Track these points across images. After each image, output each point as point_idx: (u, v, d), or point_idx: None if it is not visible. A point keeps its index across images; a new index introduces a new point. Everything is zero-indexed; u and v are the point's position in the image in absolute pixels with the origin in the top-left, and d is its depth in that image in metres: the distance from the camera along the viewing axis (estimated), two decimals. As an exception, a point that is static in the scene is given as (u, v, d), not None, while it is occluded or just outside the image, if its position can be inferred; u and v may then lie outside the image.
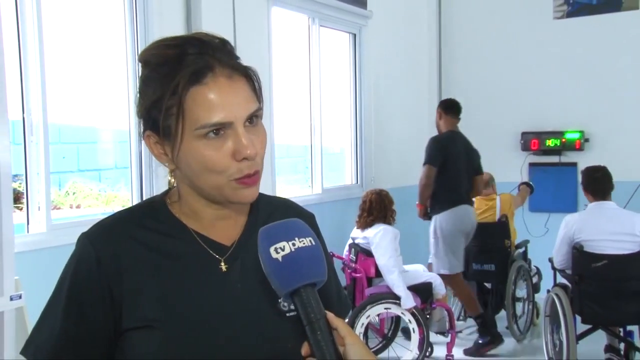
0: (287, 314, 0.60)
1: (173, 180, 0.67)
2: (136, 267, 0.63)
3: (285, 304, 0.60)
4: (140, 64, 0.64)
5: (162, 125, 0.62)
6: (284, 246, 0.54)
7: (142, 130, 0.65)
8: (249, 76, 0.64)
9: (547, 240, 3.09)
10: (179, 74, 0.60)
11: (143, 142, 0.65)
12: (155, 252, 0.64)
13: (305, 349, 0.53)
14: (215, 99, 0.60)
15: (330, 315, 0.54)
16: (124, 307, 0.62)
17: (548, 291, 2.60)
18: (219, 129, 0.61)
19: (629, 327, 2.50)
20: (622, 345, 2.54)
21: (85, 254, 0.63)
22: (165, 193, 0.69)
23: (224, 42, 0.63)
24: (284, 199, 0.77)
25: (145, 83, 0.64)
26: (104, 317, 0.62)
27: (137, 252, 0.63)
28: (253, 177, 0.63)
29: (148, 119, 0.64)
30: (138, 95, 0.65)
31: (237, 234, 0.67)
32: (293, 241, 0.54)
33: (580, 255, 2.43)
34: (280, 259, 0.53)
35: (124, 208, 0.71)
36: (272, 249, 0.54)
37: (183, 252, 0.64)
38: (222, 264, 0.65)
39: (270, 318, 0.63)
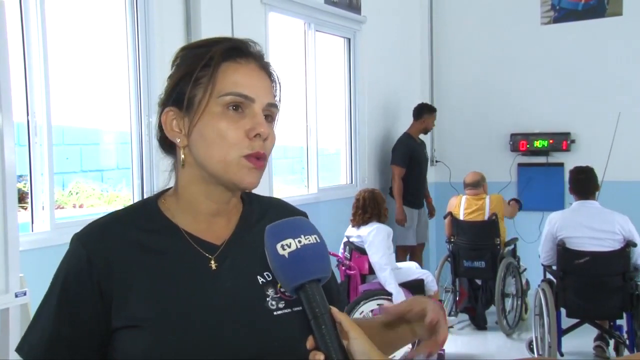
0: (275, 312, 0.63)
1: (183, 155, 0.65)
2: (126, 267, 0.63)
3: (274, 302, 0.63)
4: (177, 53, 0.67)
5: (188, 95, 0.63)
6: (290, 243, 0.55)
7: (160, 110, 0.66)
8: (273, 80, 0.68)
9: (536, 238, 3.20)
10: (215, 48, 0.64)
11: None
12: (145, 251, 0.64)
13: (310, 343, 0.54)
14: (243, 77, 0.64)
15: (334, 310, 0.54)
16: (113, 306, 0.62)
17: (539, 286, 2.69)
18: (239, 105, 0.63)
19: (618, 322, 2.57)
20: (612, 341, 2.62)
21: (76, 254, 0.64)
22: (160, 194, 0.69)
23: (262, 52, 0.68)
24: (277, 198, 0.77)
25: (178, 64, 0.66)
26: (95, 316, 0.62)
27: (128, 252, 0.63)
28: (260, 161, 0.64)
29: (173, 93, 0.65)
30: (167, 81, 0.67)
31: (229, 233, 0.67)
32: (299, 238, 0.55)
33: (564, 252, 2.51)
34: (286, 255, 0.54)
35: (117, 209, 0.71)
36: (278, 246, 0.55)
37: (172, 250, 0.64)
38: (212, 262, 0.65)
39: (258, 316, 0.63)
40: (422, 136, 3.64)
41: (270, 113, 0.66)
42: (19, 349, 0.65)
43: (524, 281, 3.33)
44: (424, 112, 3.52)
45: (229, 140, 0.63)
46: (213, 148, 0.63)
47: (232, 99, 0.63)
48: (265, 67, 0.67)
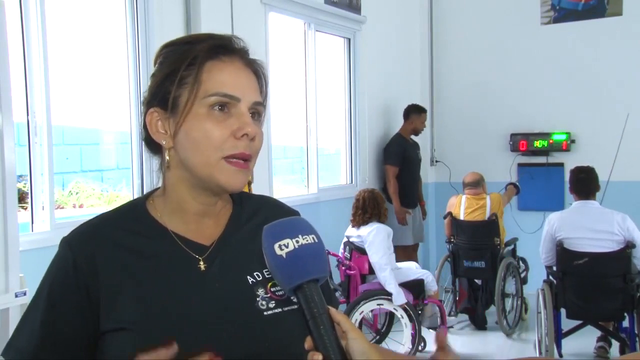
0: (265, 313, 0.62)
1: (168, 157, 0.65)
2: (113, 269, 0.62)
3: (264, 302, 0.63)
4: (160, 50, 0.66)
5: (172, 95, 0.62)
6: (287, 243, 0.54)
7: (145, 110, 0.65)
8: (259, 76, 0.67)
9: (537, 238, 3.20)
10: (200, 46, 0.63)
11: (143, 142, 0.66)
12: (133, 253, 0.64)
13: (308, 343, 0.53)
14: (228, 76, 0.63)
15: (332, 311, 0.54)
16: (101, 309, 0.61)
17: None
18: (225, 105, 0.62)
19: (624, 324, 2.55)
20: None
21: (63, 257, 0.63)
22: (149, 194, 0.69)
23: (247, 48, 0.67)
24: (267, 196, 0.77)
25: (161, 62, 0.65)
26: (82, 320, 0.62)
27: (115, 254, 0.63)
28: (245, 163, 0.63)
29: (157, 93, 0.64)
30: (150, 80, 0.66)
31: (218, 234, 0.67)
32: (297, 238, 0.55)
33: (562, 253, 2.51)
34: (284, 255, 0.54)
35: (105, 211, 0.70)
36: (276, 246, 0.55)
37: (161, 252, 0.64)
38: (201, 263, 0.64)
39: (248, 317, 0.62)
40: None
41: (256, 110, 0.65)
42: (4, 353, 0.65)
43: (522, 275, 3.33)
44: (412, 113, 3.50)
45: (214, 141, 0.62)
46: (199, 150, 0.62)
47: (218, 100, 0.62)
48: (250, 64, 0.66)
